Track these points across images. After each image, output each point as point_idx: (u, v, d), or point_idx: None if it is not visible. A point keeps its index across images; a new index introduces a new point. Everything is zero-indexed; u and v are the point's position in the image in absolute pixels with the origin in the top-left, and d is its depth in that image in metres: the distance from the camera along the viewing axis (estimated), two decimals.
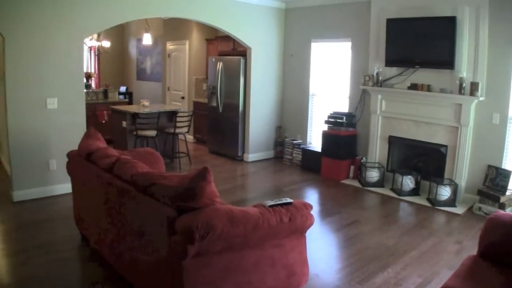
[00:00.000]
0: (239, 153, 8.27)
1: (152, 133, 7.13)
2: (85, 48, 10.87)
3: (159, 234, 2.72)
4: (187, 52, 9.88)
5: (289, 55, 8.35)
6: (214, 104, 8.58)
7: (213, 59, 8.58)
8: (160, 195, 2.82)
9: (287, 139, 8.25)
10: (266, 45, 8.09)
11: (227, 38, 8.43)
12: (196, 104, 9.55)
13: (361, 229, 4.99)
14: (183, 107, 9.47)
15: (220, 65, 8.34)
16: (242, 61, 7.97)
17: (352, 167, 7.07)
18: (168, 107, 8.61)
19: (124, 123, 7.37)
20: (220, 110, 8.48)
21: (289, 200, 3.03)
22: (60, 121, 5.64)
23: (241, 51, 8.25)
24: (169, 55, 10.46)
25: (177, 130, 7.54)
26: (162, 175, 3.02)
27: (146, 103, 7.91)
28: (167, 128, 7.62)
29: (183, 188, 2.67)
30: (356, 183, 6.82)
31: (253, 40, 7.87)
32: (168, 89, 10.60)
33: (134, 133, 7.08)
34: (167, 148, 7.74)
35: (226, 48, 8.85)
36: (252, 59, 7.93)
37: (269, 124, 8.46)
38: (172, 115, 7.82)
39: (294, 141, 8.05)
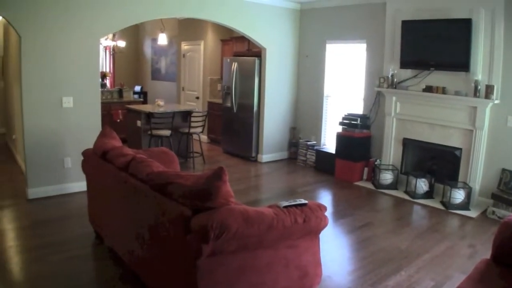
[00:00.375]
0: (253, 154, 8.29)
1: (167, 132, 7.18)
2: (101, 48, 10.96)
3: (173, 233, 2.74)
4: (202, 53, 9.92)
5: (304, 56, 8.35)
6: (229, 104, 8.62)
7: (228, 60, 8.61)
8: (175, 194, 2.83)
9: (301, 140, 8.25)
10: (281, 46, 8.10)
11: (242, 38, 8.46)
12: (210, 104, 9.59)
13: (374, 231, 4.98)
14: (198, 107, 9.53)
15: (235, 65, 8.37)
16: (257, 61, 7.99)
17: (366, 169, 7.05)
18: (183, 107, 8.65)
19: (138, 123, 7.44)
20: (235, 111, 8.51)
21: (303, 201, 3.02)
22: (76, 119, 5.71)
23: (256, 52, 8.28)
24: (184, 55, 10.52)
25: (192, 130, 7.59)
26: (178, 175, 3.04)
27: (161, 103, 7.96)
28: (182, 128, 7.67)
29: (198, 187, 2.69)
30: (369, 185, 6.80)
31: (268, 41, 7.88)
32: (183, 89, 10.66)
33: (149, 132, 7.14)
34: (181, 147, 7.79)
35: (241, 49, 8.88)
36: (267, 60, 7.94)
37: (283, 125, 8.46)
38: (186, 115, 7.87)
39: (308, 142, 8.05)
